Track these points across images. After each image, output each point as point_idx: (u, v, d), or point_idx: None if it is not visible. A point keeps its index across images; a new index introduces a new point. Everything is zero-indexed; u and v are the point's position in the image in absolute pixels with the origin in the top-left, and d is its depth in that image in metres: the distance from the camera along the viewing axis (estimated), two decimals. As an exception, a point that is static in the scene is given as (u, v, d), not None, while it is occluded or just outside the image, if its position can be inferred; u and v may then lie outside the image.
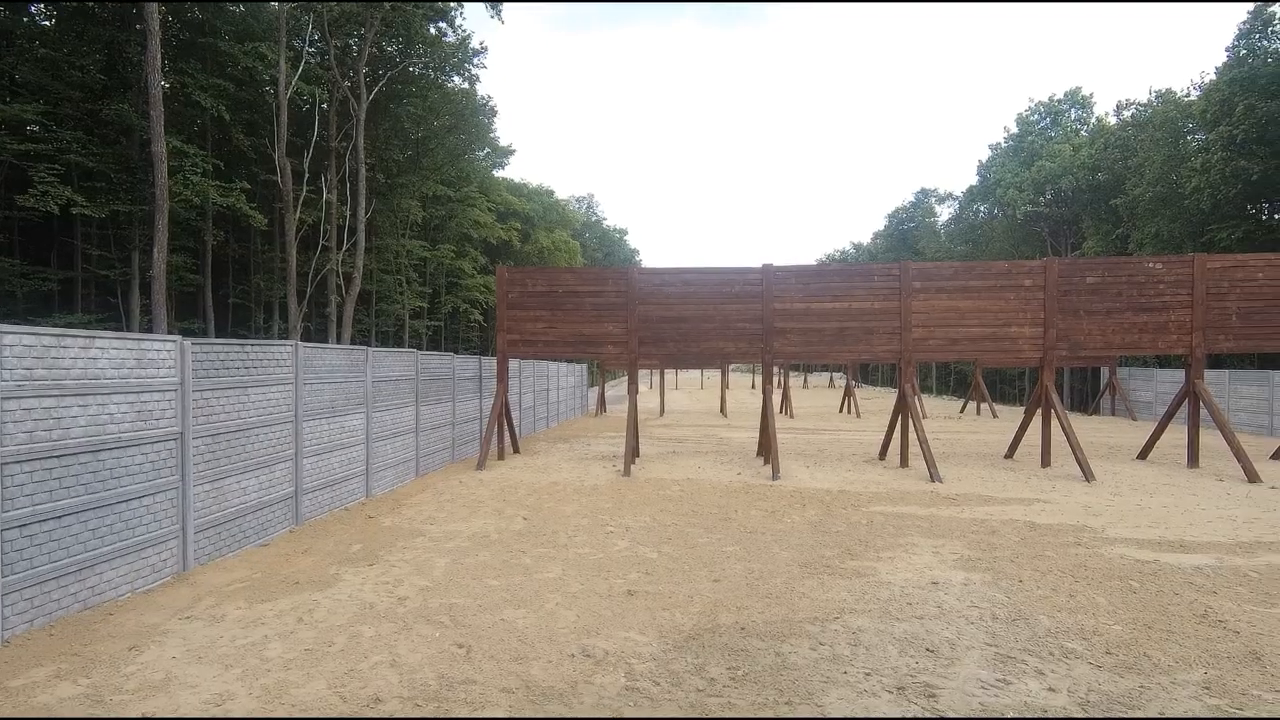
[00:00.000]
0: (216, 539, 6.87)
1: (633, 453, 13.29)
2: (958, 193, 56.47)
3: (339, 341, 22.90)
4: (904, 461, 13.57)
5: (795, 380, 60.19)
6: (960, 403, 35.81)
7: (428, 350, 27.85)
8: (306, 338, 25.53)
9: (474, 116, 29.90)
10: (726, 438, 19.59)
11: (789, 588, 6.07)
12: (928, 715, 3.77)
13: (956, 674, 4.28)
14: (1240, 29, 26.37)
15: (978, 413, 30.49)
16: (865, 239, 78.71)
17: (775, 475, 12.11)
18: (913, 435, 13.06)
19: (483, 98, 30.27)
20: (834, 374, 63.13)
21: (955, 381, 52.12)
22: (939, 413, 30.86)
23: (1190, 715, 3.65)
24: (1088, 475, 11.93)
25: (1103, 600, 5.77)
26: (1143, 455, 14.73)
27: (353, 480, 9.63)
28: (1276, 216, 28.45)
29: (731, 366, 63.09)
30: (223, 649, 4.69)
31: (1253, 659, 4.55)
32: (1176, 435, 15.45)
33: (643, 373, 61.26)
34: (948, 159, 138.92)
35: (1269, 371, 22.05)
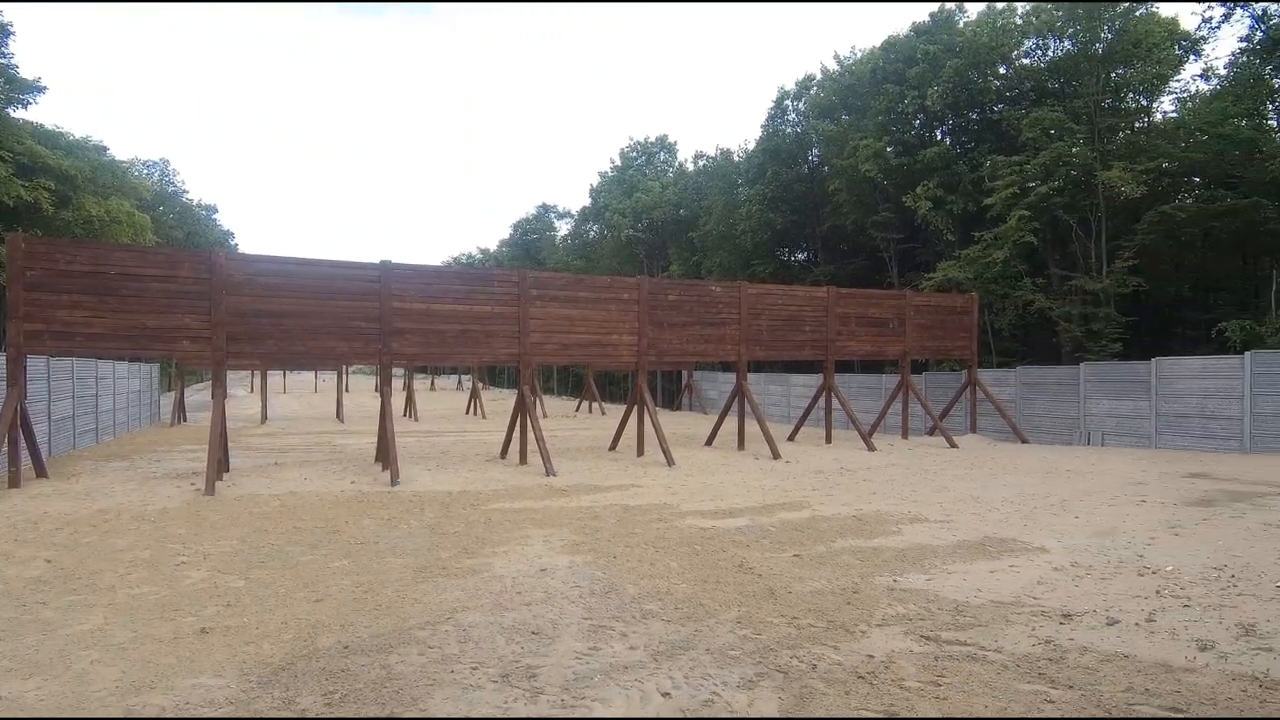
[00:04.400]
0: None
1: (220, 467, 11.36)
2: (574, 211, 62.00)
3: None
4: (523, 459, 14.27)
5: (423, 383, 58.77)
6: (576, 402, 39.21)
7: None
8: None
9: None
10: (342, 444, 18.09)
11: (401, 595, 5.82)
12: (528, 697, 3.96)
13: (555, 650, 4.60)
14: (770, 112, 34.45)
15: (590, 411, 33.75)
16: (493, 246, 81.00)
17: (394, 481, 11.59)
18: (531, 434, 13.81)
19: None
20: (462, 376, 63.48)
21: (573, 383, 56.94)
22: (557, 411, 33.32)
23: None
24: (669, 461, 14.11)
25: (675, 564, 6.84)
26: (709, 442, 18.06)
27: None
28: (794, 258, 37.81)
29: (352, 368, 58.68)
30: None
31: (769, 594, 5.88)
32: (733, 424, 19.32)
33: (243, 375, 53.00)
34: (569, 176, 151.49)
35: (789, 374, 29.18)
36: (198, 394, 40.76)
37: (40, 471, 11.62)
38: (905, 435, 20.00)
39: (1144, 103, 24.69)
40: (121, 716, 3.71)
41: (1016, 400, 21.05)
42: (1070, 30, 22.93)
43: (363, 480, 12.03)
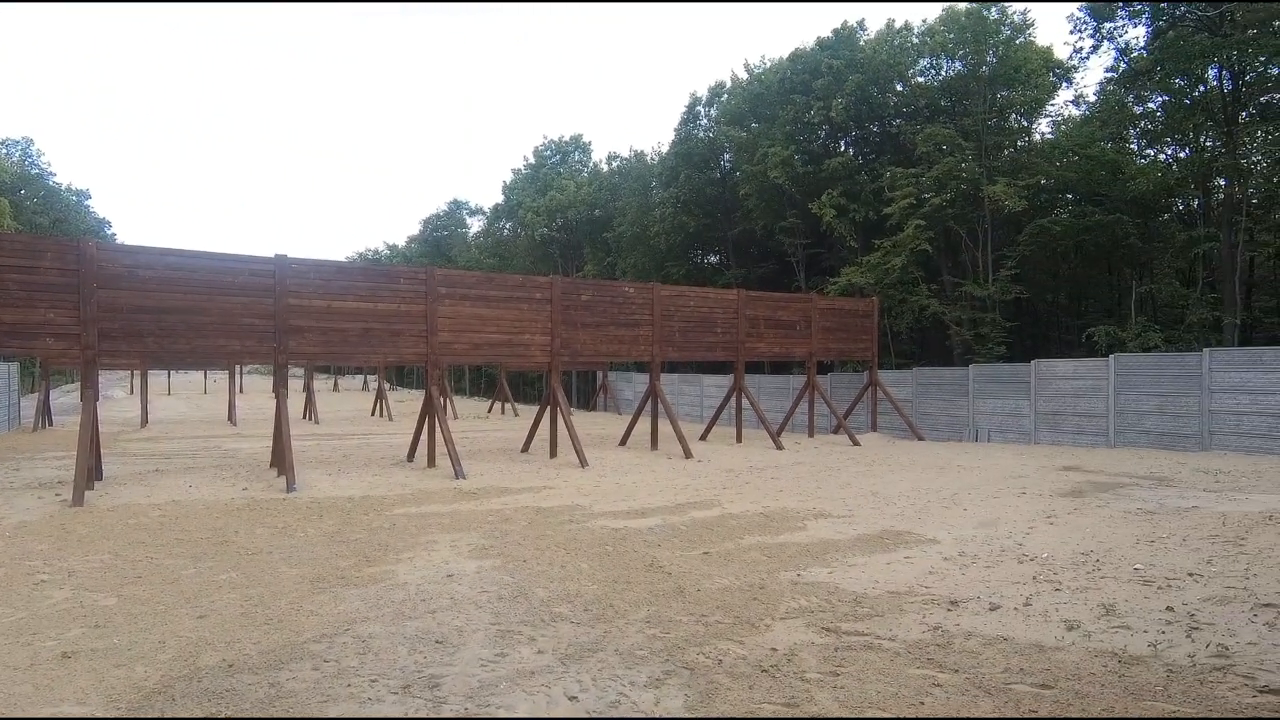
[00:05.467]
0: None
1: (90, 475, 10.42)
2: (487, 208, 60.78)
3: None
4: (431, 461, 13.84)
5: (325, 383, 56.08)
6: (488, 403, 38.44)
7: None
8: None
9: None
10: (234, 449, 16.99)
11: (295, 608, 5.51)
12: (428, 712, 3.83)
13: (460, 658, 4.48)
14: (683, 116, 34.95)
15: (503, 412, 33.16)
16: (401, 242, 78.29)
17: (290, 487, 10.98)
18: (440, 436, 13.42)
19: None
20: (367, 376, 60.91)
21: (486, 383, 55.77)
22: (469, 412, 32.54)
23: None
24: (583, 462, 14.05)
25: (585, 566, 6.81)
26: (623, 442, 18.12)
27: None
28: (706, 260, 38.51)
29: (248, 368, 55.21)
30: None
31: (679, 593, 5.95)
32: (647, 425, 19.46)
33: (122, 375, 48.89)
34: (481, 172, 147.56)
35: (701, 375, 29.69)
36: (67, 395, 37.30)
37: None
38: (812, 434, 20.76)
39: (1025, 123, 26.71)
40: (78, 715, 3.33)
41: (913, 400, 22.27)
42: (960, 52, 24.50)
43: (255, 487, 11.33)
